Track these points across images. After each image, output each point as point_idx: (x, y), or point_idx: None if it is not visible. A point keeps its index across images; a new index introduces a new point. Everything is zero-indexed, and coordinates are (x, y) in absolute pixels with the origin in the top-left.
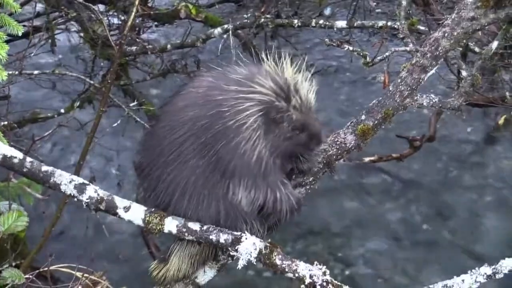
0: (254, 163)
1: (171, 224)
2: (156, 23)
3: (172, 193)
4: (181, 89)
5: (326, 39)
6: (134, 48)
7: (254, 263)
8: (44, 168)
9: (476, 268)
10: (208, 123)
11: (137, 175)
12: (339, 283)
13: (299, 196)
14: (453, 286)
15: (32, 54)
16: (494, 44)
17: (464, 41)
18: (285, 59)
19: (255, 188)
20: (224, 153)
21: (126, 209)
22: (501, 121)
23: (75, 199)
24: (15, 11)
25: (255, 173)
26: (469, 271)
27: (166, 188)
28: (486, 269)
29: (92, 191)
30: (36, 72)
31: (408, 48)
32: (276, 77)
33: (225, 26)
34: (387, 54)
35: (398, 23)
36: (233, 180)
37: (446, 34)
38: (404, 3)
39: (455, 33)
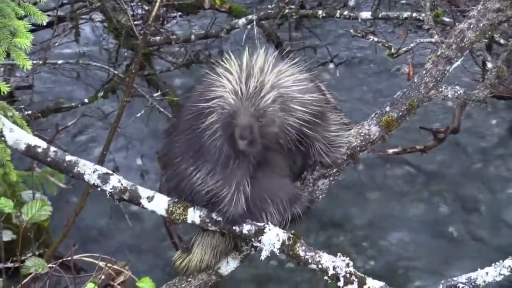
0: (215, 150)
1: (194, 215)
2: (180, 13)
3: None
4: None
5: (351, 30)
6: (158, 38)
7: (277, 254)
8: (68, 157)
9: (500, 261)
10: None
11: (160, 165)
12: (362, 275)
13: (241, 211)
14: (477, 278)
15: (56, 44)
16: None
17: (490, 32)
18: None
19: (213, 174)
20: (200, 136)
21: (150, 199)
22: None
23: (99, 189)
24: (40, 1)
25: (215, 160)
26: (493, 264)
27: (179, 180)
28: (510, 262)
29: (116, 181)
30: (60, 61)
31: (433, 40)
32: (243, 64)
33: (249, 16)
34: (412, 45)
35: (423, 14)
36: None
37: (471, 26)
38: None
39: (481, 25)
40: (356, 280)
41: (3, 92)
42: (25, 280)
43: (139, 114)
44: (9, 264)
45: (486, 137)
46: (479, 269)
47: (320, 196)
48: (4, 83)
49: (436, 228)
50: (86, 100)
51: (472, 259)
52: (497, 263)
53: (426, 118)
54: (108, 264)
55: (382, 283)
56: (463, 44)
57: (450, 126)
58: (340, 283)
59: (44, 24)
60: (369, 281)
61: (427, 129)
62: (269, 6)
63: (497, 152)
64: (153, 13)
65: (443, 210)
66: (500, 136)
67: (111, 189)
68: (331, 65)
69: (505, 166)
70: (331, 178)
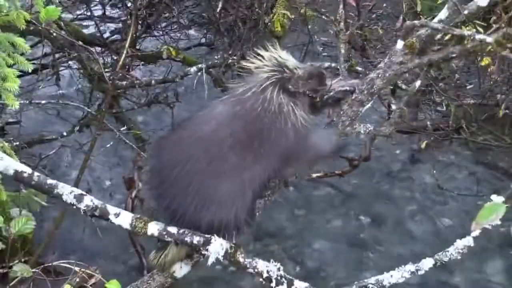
0: (301, 129)
1: (153, 228)
2: (142, 62)
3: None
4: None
5: None
6: (124, 82)
7: (222, 260)
8: (49, 181)
9: (402, 266)
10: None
11: (126, 187)
12: (291, 277)
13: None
14: (383, 280)
15: (40, 87)
16: (418, 83)
17: (395, 80)
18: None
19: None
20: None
21: (117, 215)
22: (423, 145)
23: (75, 207)
24: (26, 51)
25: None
26: (396, 268)
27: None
28: (411, 267)
29: (89, 200)
30: (43, 101)
31: None
32: (263, 63)
33: (199, 65)
34: None
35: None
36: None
37: (379, 75)
38: (342, 50)
39: (387, 74)
40: (285, 281)
41: None
42: (12, 283)
43: (108, 145)
44: (0, 270)
45: (391, 163)
46: (385, 272)
47: (257, 213)
48: None
49: (351, 239)
50: (64, 133)
51: (380, 264)
52: (400, 267)
53: (344, 149)
54: (82, 269)
55: (306, 284)
56: (373, 90)
57: (362, 155)
58: (273, 284)
59: (30, 71)
60: (296, 282)
61: (344, 157)
62: (216, 57)
63: (401, 176)
64: (120, 62)
65: (357, 223)
66: (403, 162)
67: (84, 207)
68: None
69: (407, 187)
70: (266, 198)
